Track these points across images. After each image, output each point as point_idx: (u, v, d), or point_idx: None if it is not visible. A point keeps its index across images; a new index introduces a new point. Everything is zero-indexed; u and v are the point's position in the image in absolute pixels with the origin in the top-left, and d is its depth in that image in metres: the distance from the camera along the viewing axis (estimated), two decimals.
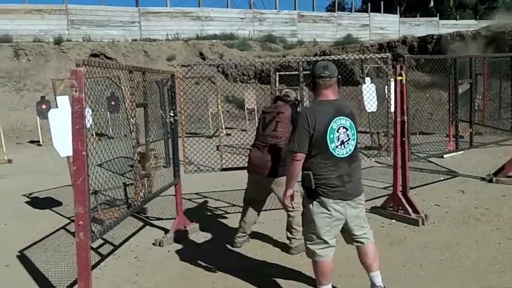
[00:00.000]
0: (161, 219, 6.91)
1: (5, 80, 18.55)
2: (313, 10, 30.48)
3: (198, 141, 7.42)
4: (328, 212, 3.84)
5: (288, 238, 5.43)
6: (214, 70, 18.63)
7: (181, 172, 6.30)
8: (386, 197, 6.95)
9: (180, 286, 4.76)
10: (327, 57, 7.49)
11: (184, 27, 24.56)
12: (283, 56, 21.09)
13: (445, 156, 9.99)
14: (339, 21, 29.73)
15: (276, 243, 5.75)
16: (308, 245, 4.01)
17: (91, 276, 3.69)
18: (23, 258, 5.64)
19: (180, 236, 6.00)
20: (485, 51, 15.87)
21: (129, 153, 5.44)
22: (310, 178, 3.81)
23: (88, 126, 3.88)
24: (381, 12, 32.17)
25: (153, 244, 5.86)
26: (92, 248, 4.15)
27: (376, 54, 7.00)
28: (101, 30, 22.87)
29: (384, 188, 7.89)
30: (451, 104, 8.78)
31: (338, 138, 3.81)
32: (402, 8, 35.46)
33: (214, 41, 23.58)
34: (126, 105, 5.04)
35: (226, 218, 6.92)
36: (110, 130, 12.97)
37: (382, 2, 32.49)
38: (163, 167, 7.89)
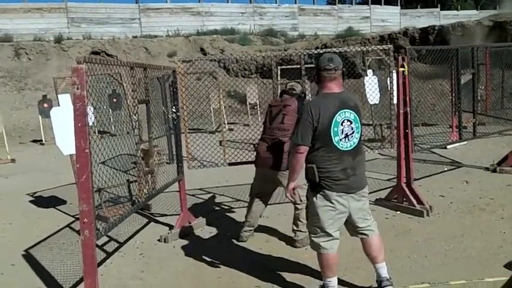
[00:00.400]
0: (165, 215, 6.91)
1: (6, 79, 18.54)
2: (313, 3, 30.36)
3: (201, 137, 7.41)
4: (332, 205, 3.84)
5: (294, 231, 5.44)
6: (215, 65, 18.60)
7: (184, 168, 6.30)
8: (391, 188, 6.95)
9: (186, 282, 4.76)
10: (329, 50, 7.45)
11: (184, 23, 24.51)
12: (285, 50, 21.02)
13: (448, 147, 9.97)
14: (340, 14, 29.62)
15: (281, 237, 5.76)
16: (313, 238, 4.01)
17: (97, 274, 3.70)
18: (28, 257, 5.64)
19: (185, 231, 6.00)
20: (487, 41, 15.80)
21: (132, 150, 5.44)
22: (314, 171, 3.80)
23: (90, 123, 3.88)
24: (381, 4, 32.01)
25: (158, 240, 5.86)
26: (97, 246, 4.16)
27: (378, 46, 6.98)
28: (101, 27, 22.83)
29: (388, 180, 7.88)
30: (453, 95, 8.75)
31: (342, 131, 3.80)
32: (403, 0, 35.30)
33: (215, 36, 23.51)
34: (128, 102, 5.03)
35: (230, 213, 6.92)
36: (112, 127, 12.97)
37: None
38: (167, 163, 7.88)
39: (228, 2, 27.42)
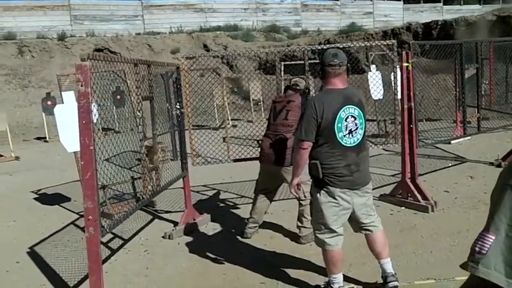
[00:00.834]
0: (170, 212, 6.92)
1: (10, 77, 18.58)
2: None
3: (206, 134, 7.41)
4: (336, 201, 3.82)
5: (298, 227, 5.44)
6: (218, 62, 18.57)
7: (188, 164, 6.30)
8: (395, 184, 6.93)
9: (191, 278, 4.76)
10: (332, 45, 7.43)
11: (187, 20, 24.48)
12: (288, 46, 20.98)
13: (452, 142, 9.94)
14: (343, 10, 29.49)
15: (285, 233, 5.75)
16: (317, 235, 4.00)
17: (102, 271, 3.70)
18: (33, 254, 5.66)
19: (190, 228, 6.01)
20: (491, 35, 15.74)
21: (136, 147, 5.44)
22: (318, 167, 3.79)
23: (94, 121, 3.87)
24: None
25: (163, 237, 5.87)
26: (101, 243, 4.15)
27: (382, 41, 6.95)
28: (104, 24, 22.83)
29: (392, 176, 7.87)
30: (457, 90, 8.72)
31: (346, 127, 3.78)
32: None
33: (218, 32, 23.49)
34: (132, 98, 5.03)
35: (235, 209, 6.92)
36: (116, 124, 12.98)
37: None
38: (171, 159, 7.89)
39: None
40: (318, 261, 4.59)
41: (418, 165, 6.78)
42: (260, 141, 5.71)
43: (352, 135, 3.81)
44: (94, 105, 3.90)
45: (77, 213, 7.01)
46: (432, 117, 12.34)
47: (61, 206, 7.60)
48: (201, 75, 13.48)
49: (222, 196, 7.63)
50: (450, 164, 8.65)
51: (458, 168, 8.36)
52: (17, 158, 12.17)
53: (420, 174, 7.05)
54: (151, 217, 6.77)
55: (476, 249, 1.52)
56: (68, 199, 7.86)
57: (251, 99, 16.40)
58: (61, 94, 6.70)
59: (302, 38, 24.21)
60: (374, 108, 11.76)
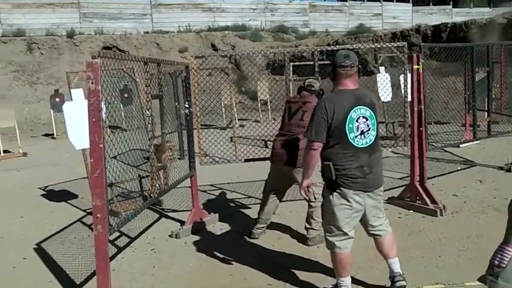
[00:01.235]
0: (177, 211, 6.90)
1: (19, 73, 18.64)
2: (324, 0, 30.23)
3: (213, 133, 7.39)
4: (349, 204, 3.80)
5: (306, 229, 5.40)
6: (226, 61, 18.55)
7: (196, 164, 6.28)
8: (404, 187, 6.89)
9: (197, 278, 4.74)
10: (342, 46, 7.40)
11: (196, 19, 24.49)
12: (296, 47, 20.94)
13: (461, 145, 9.88)
14: (351, 11, 29.43)
15: (293, 235, 5.73)
16: (327, 237, 3.97)
17: (110, 269, 3.69)
18: (40, 251, 5.66)
19: (197, 227, 5.99)
20: (501, 38, 15.65)
21: (143, 146, 5.43)
22: (331, 169, 3.76)
23: (104, 118, 3.86)
24: (393, 1, 31.79)
25: (170, 236, 5.85)
26: (108, 241, 4.14)
27: (392, 43, 6.91)
28: (113, 23, 22.86)
29: (401, 179, 7.82)
30: (468, 93, 8.66)
31: (358, 128, 3.76)
32: None
33: (226, 32, 23.47)
34: (141, 97, 5.02)
35: (242, 209, 6.89)
36: (123, 123, 12.98)
37: None
38: (178, 158, 7.87)
39: None
40: (326, 263, 4.57)
41: (427, 168, 6.74)
42: (272, 141, 5.67)
43: (364, 136, 3.79)
44: (103, 103, 3.88)
45: (84, 211, 7.01)
46: (441, 120, 12.26)
47: (68, 203, 7.60)
48: (209, 75, 13.47)
49: (230, 196, 7.61)
50: (459, 168, 8.58)
51: (467, 172, 8.30)
52: (24, 154, 12.20)
53: (429, 178, 6.99)
54: (158, 216, 6.75)
55: (496, 262, 1.49)
56: (75, 196, 7.86)
57: (259, 100, 16.37)
58: (70, 91, 6.70)
59: (310, 38, 24.17)
60: (382, 110, 11.70)
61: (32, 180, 9.26)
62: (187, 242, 5.67)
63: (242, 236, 5.76)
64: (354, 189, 3.77)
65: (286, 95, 6.87)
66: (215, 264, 5.00)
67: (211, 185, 8.11)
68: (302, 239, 5.49)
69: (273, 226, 5.88)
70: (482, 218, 5.99)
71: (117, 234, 5.76)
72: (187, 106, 6.10)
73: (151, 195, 5.21)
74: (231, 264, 4.95)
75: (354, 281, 4.21)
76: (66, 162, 10.69)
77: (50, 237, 6.08)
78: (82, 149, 6.31)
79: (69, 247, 5.72)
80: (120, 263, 5.15)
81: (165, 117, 5.84)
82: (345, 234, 3.87)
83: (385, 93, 10.48)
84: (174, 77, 8.27)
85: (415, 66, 6.21)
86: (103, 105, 3.68)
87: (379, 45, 7.10)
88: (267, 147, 10.68)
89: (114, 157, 4.69)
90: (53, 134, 14.98)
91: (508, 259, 1.42)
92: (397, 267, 4.08)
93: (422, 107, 6.32)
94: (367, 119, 3.80)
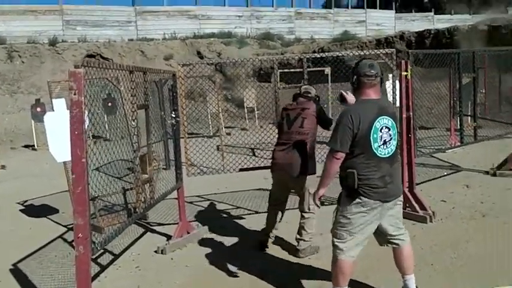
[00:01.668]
0: (163, 224, 6.73)
1: None
2: (309, 7, 30.33)
3: (200, 142, 7.27)
4: (367, 213, 3.76)
5: (297, 240, 5.31)
6: (212, 69, 18.45)
7: (183, 175, 6.15)
8: None
9: None
10: (326, 53, 7.36)
11: (181, 26, 24.35)
12: (282, 54, 20.91)
13: (447, 150, 9.88)
14: (336, 18, 29.60)
15: (283, 246, 5.61)
16: (337, 243, 3.89)
17: None
18: (16, 272, 5.40)
19: (184, 242, 5.84)
20: (482, 45, 15.80)
21: (127, 156, 5.27)
22: (354, 177, 3.73)
23: (86, 128, 3.72)
24: (377, 8, 32.11)
25: (155, 252, 5.67)
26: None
27: (381, 50, 6.88)
28: (97, 30, 22.62)
29: None
30: (454, 99, 8.65)
31: (381, 138, 3.75)
32: (397, 4, 35.44)
33: (211, 39, 23.38)
34: (126, 107, 4.88)
35: (231, 220, 6.76)
36: (107, 132, 12.80)
37: None
38: (164, 169, 7.74)
39: (225, 5, 27.30)
40: (315, 275, 4.52)
41: (416, 174, 6.70)
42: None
43: (386, 146, 3.78)
44: (86, 113, 3.74)
45: (65, 226, 6.79)
46: (425, 126, 12.27)
47: (48, 218, 7.35)
48: (195, 83, 13.36)
49: (218, 207, 7.46)
50: (445, 173, 8.60)
51: (453, 177, 8.32)
52: (3, 167, 11.89)
53: (416, 184, 6.95)
54: (143, 230, 6.57)
55: None
56: (56, 211, 7.61)
57: (245, 107, 16.28)
58: (51, 101, 6.54)
59: (296, 45, 24.19)
60: None
61: (10, 194, 8.94)
62: (174, 257, 5.52)
63: (232, 250, 5.63)
64: (374, 198, 3.74)
65: (274, 103, 6.79)
66: (203, 281, 4.87)
67: (198, 196, 7.94)
68: (293, 250, 5.38)
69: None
70: (471, 223, 5.98)
71: (100, 251, 5.58)
72: (173, 116, 5.98)
73: (137, 210, 5.04)
74: (220, 279, 4.81)
75: None
76: (46, 173, 10.39)
77: (28, 256, 5.80)
78: (63, 162, 6.14)
79: (48, 267, 5.48)
80: (103, 283, 4.96)
81: (151, 127, 5.71)
82: (359, 241, 3.83)
83: None
84: (159, 85, 8.15)
85: (404, 73, 6.18)
86: (86, 118, 3.54)
87: (368, 52, 7.04)
88: (255, 155, 10.59)
89: (97, 168, 4.54)
90: (34, 145, 14.65)
91: None
92: (412, 284, 4.05)
93: (411, 113, 6.29)
94: (389, 129, 3.80)
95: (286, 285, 4.55)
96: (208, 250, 5.72)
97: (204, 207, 7.50)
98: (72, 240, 4.79)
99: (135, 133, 4.84)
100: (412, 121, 6.33)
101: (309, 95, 5.49)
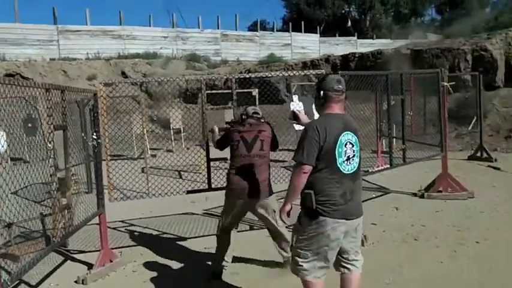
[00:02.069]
0: (84, 252, 6.32)
1: None
2: (235, 29, 30.56)
3: (124, 165, 6.93)
4: (328, 232, 3.61)
5: (281, 253, 5.27)
6: (136, 89, 18.03)
7: (105, 200, 5.79)
8: None
9: None
10: (259, 74, 7.25)
11: (105, 46, 23.85)
12: (208, 75, 20.81)
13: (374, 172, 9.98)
14: (262, 41, 30.03)
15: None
16: (301, 263, 3.73)
17: None
18: None
19: (106, 271, 5.47)
20: (406, 67, 16.31)
21: (47, 179, 4.89)
22: (312, 197, 3.60)
23: (2, 151, 3.37)
24: (301, 32, 32.87)
25: (76, 282, 5.28)
26: None
27: (311, 71, 6.87)
28: (16, 48, 21.72)
29: None
30: (383, 121, 8.73)
31: (345, 153, 3.66)
32: (321, 28, 36.48)
33: (136, 60, 22.99)
34: (43, 127, 4.53)
35: (156, 247, 6.43)
36: (26, 154, 12.13)
37: (302, 22, 33.33)
38: (85, 192, 7.32)
39: (150, 26, 27.01)
40: None
41: None
42: (227, 174, 5.33)
43: (350, 162, 3.69)
44: (1, 134, 3.40)
45: None
46: None
47: None
48: (119, 103, 12.95)
49: (142, 232, 7.11)
50: (374, 195, 8.65)
51: (382, 200, 8.39)
52: None
53: None
54: (63, 258, 6.14)
55: None
56: None
57: (171, 128, 15.97)
58: None
59: (222, 67, 24.23)
60: (295, 138, 11.68)
61: None
62: None
63: (157, 278, 5.32)
64: (333, 216, 3.60)
65: (201, 124, 6.59)
66: None
67: (122, 221, 7.57)
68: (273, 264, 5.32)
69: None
70: (403, 247, 5.98)
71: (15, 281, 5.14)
72: (95, 137, 5.64)
73: (55, 238, 4.65)
74: None
75: None
76: None
77: None
78: None
79: None
80: None
81: (70, 149, 5.33)
82: (324, 261, 3.71)
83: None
84: (81, 105, 7.76)
85: None
86: (1, 138, 3.20)
87: (303, 73, 7.02)
88: (181, 178, 10.30)
89: (15, 192, 4.16)
90: None
91: None
92: None
93: None
94: (353, 145, 3.72)
95: None
96: (132, 279, 5.39)
97: (128, 233, 7.14)
98: None
99: (51, 156, 4.48)
100: None
101: (258, 115, 5.40)
